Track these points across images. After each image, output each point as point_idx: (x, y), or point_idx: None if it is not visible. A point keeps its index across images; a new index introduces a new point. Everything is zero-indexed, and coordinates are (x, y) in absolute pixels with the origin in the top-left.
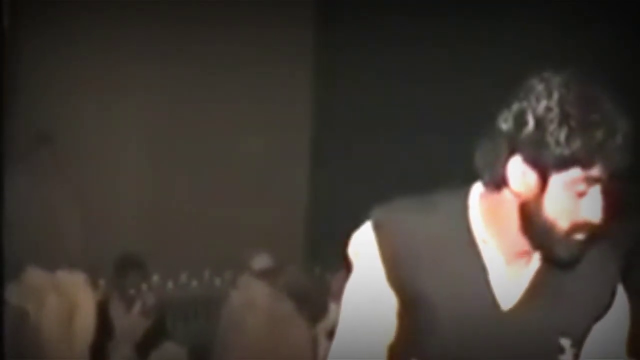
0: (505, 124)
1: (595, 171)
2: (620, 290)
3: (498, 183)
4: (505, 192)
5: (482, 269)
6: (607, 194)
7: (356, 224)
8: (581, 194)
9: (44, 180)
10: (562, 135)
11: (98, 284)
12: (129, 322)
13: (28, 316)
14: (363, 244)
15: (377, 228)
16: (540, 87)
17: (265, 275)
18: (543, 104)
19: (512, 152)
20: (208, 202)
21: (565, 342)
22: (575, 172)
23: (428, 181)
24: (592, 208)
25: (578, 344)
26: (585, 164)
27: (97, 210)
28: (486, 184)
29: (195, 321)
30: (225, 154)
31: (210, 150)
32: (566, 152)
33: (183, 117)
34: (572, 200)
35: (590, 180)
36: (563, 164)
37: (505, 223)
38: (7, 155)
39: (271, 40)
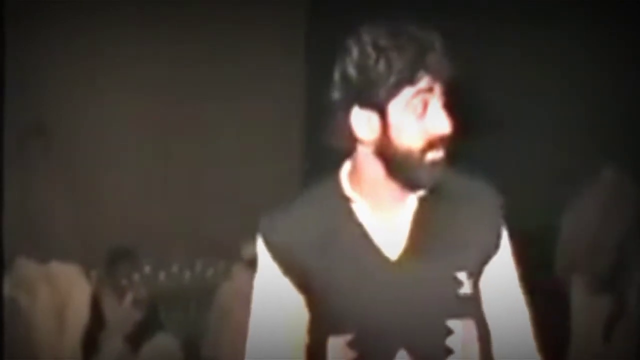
0: (335, 92)
1: (424, 84)
2: (505, 234)
3: (350, 144)
4: (359, 148)
5: (361, 230)
6: (448, 108)
7: None
8: (423, 110)
9: (37, 172)
10: (382, 66)
11: (90, 276)
12: (121, 313)
13: (20, 307)
14: (258, 253)
15: (262, 234)
16: (350, 42)
17: (256, 264)
18: (356, 51)
19: (348, 108)
20: (199, 193)
21: (462, 275)
22: (408, 92)
23: None
24: (437, 120)
25: (474, 276)
26: (413, 80)
27: (89, 201)
28: (347, 154)
29: (187, 312)
30: (217, 146)
31: (202, 142)
32: (392, 78)
33: (174, 110)
34: (416, 120)
35: (423, 93)
36: (394, 90)
37: (368, 176)
38: (1, 147)
39: (264, 37)
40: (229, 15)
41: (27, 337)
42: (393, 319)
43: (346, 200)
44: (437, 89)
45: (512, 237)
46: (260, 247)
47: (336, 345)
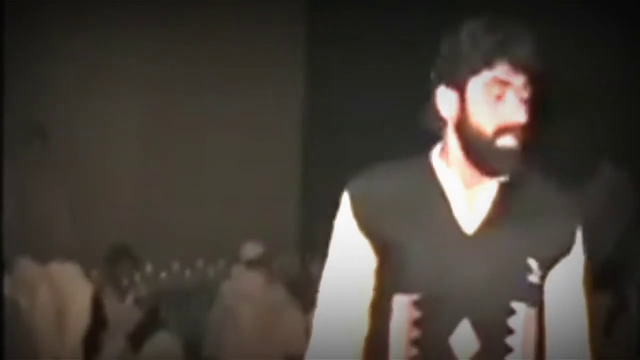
0: (432, 72)
1: (502, 74)
2: (579, 235)
3: (439, 124)
4: (447, 128)
5: (442, 201)
6: (526, 101)
7: None
8: (498, 98)
9: (37, 172)
10: (468, 45)
11: (91, 276)
12: (123, 312)
13: (21, 308)
14: (341, 212)
15: (350, 192)
16: (459, 30)
17: (257, 263)
18: (455, 35)
19: (436, 87)
20: (200, 192)
21: (533, 263)
22: (487, 76)
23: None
24: (513, 110)
25: (544, 267)
26: (491, 64)
27: (90, 201)
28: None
29: (189, 311)
30: (218, 145)
31: (202, 142)
32: (473, 57)
33: (174, 110)
34: (492, 105)
35: (500, 84)
36: (473, 69)
37: (452, 154)
38: (1, 148)
39: (263, 38)
40: (229, 15)
41: (28, 338)
42: (461, 289)
43: (432, 173)
44: (518, 83)
45: None
46: (345, 201)
47: (402, 303)
